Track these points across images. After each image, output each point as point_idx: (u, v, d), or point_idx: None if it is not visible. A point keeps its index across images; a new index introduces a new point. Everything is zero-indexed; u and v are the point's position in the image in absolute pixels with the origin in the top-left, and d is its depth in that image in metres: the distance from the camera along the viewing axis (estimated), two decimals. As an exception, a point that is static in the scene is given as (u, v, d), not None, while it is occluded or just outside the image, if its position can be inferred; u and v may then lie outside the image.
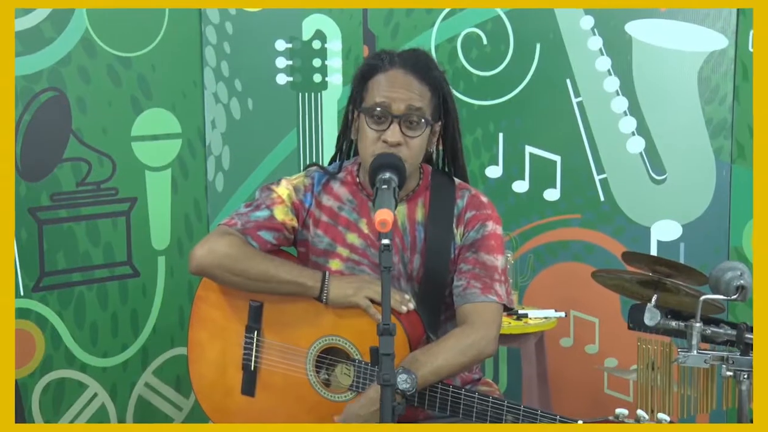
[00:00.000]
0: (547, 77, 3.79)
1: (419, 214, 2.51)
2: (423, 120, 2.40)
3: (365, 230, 2.51)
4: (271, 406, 2.50)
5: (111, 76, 3.58)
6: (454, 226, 2.48)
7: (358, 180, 2.54)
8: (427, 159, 2.55)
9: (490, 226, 2.49)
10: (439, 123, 2.49)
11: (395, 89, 2.39)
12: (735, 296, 2.39)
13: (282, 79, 3.90)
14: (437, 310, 2.49)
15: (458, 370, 2.41)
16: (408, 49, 2.49)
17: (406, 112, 2.37)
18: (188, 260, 2.50)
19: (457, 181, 2.55)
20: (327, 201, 2.54)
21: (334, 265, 2.52)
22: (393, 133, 2.37)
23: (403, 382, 2.21)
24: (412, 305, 2.41)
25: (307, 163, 3.80)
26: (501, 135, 3.86)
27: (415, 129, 2.39)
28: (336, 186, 2.55)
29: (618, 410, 2.16)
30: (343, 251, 2.52)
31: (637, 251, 2.96)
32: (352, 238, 2.52)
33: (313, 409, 2.44)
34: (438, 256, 2.47)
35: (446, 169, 2.58)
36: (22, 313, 3.41)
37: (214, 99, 3.86)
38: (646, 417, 2.14)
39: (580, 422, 2.19)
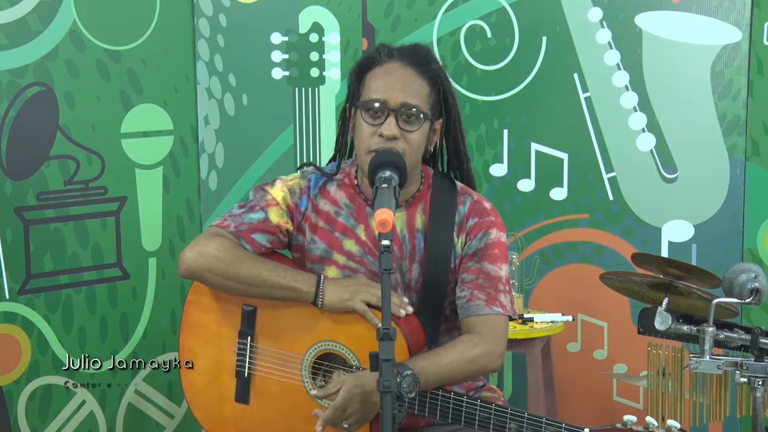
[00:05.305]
0: (553, 71, 3.78)
1: (419, 222, 2.47)
2: (421, 114, 2.36)
3: (363, 237, 2.48)
4: (266, 414, 2.47)
5: (100, 70, 3.55)
6: (455, 234, 2.45)
7: (356, 183, 2.50)
8: (429, 161, 2.52)
9: (494, 234, 2.45)
10: (440, 120, 2.45)
11: (392, 82, 2.36)
12: (749, 299, 2.37)
13: (278, 73, 3.86)
14: (436, 321, 2.45)
15: (462, 379, 2.39)
16: (407, 44, 2.47)
17: (403, 105, 2.34)
18: (178, 263, 2.47)
19: (459, 185, 2.53)
20: (324, 205, 2.51)
21: (331, 272, 2.49)
22: (389, 126, 2.33)
23: (407, 387, 2.16)
24: (410, 309, 2.39)
25: (303, 161, 3.84)
26: (506, 132, 3.84)
27: (412, 123, 2.36)
28: (333, 189, 2.51)
29: (626, 417, 2.15)
30: (339, 258, 2.48)
31: (648, 252, 2.94)
32: (350, 245, 2.48)
33: (309, 417, 2.39)
34: (437, 266, 2.44)
35: (450, 173, 2.55)
36: (7, 317, 3.39)
37: (207, 94, 3.83)
38: (656, 423, 2.13)
39: (586, 430, 2.18)
